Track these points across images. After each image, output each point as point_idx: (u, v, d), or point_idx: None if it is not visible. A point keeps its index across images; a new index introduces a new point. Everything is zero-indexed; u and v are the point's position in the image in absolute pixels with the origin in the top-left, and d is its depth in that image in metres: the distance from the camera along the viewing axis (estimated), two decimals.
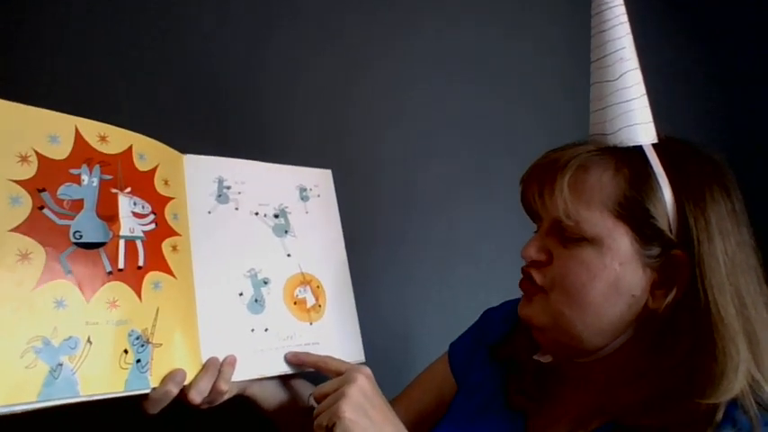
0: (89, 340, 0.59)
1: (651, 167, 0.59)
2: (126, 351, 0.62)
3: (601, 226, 0.59)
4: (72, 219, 0.61)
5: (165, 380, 0.64)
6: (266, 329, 0.75)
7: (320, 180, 0.89)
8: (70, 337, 0.58)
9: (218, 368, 0.68)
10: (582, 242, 0.60)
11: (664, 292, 0.58)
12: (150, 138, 0.72)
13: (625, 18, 0.64)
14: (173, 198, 0.72)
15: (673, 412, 0.55)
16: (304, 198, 0.86)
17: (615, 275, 0.58)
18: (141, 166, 0.69)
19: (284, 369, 0.75)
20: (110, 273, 0.62)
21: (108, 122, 0.68)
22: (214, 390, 0.67)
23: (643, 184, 0.59)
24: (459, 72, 1.20)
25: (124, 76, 0.98)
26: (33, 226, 0.58)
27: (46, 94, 0.87)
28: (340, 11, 1.12)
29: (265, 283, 0.78)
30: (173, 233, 0.70)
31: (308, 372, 0.78)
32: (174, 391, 0.63)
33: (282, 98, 1.07)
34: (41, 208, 0.59)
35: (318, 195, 0.88)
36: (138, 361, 0.62)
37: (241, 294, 0.75)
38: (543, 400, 0.68)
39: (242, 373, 0.71)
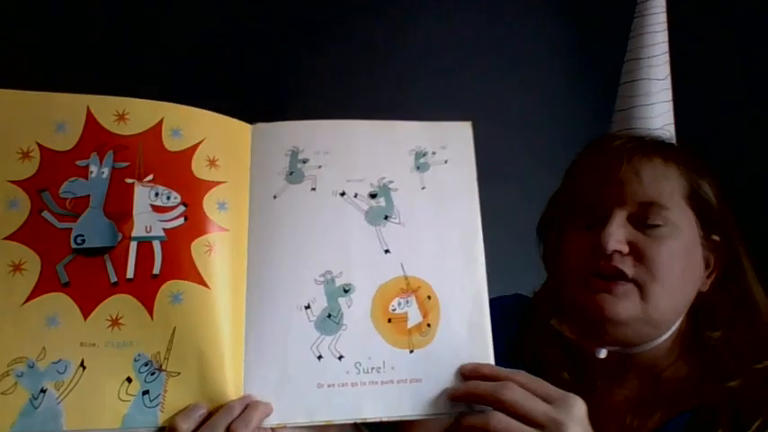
0: (82, 364, 0.51)
1: (697, 163, 0.66)
2: (129, 379, 0.51)
3: (679, 212, 0.63)
4: (75, 220, 0.53)
5: (175, 415, 0.51)
6: (341, 357, 0.54)
7: (452, 138, 0.60)
8: (59, 360, 0.50)
9: (239, 408, 0.51)
10: (662, 229, 0.61)
11: (707, 274, 0.65)
12: (197, 108, 0.57)
13: (666, 25, 0.70)
14: (220, 183, 0.56)
15: (738, 384, 0.58)
16: (421, 167, 0.59)
17: (692, 260, 0.63)
18: (173, 144, 0.55)
19: (365, 414, 0.54)
20: (114, 284, 0.52)
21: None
22: None
23: (699, 175, 0.64)
24: (459, 69, 1.21)
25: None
26: (30, 232, 0.52)
27: None
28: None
29: (346, 291, 0.56)
30: (212, 228, 0.55)
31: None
32: (185, 429, 0.50)
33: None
34: (41, 211, 0.52)
35: (446, 161, 0.60)
36: (146, 393, 0.51)
37: (308, 307, 0.55)
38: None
39: (299, 415, 0.53)
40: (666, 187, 0.62)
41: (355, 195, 0.58)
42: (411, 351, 0.55)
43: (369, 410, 0.53)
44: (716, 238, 0.64)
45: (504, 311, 0.70)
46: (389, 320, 0.56)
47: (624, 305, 0.60)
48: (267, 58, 1.15)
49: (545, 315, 0.68)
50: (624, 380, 0.65)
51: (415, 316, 0.56)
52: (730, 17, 1.16)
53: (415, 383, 0.54)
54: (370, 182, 0.59)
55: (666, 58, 0.69)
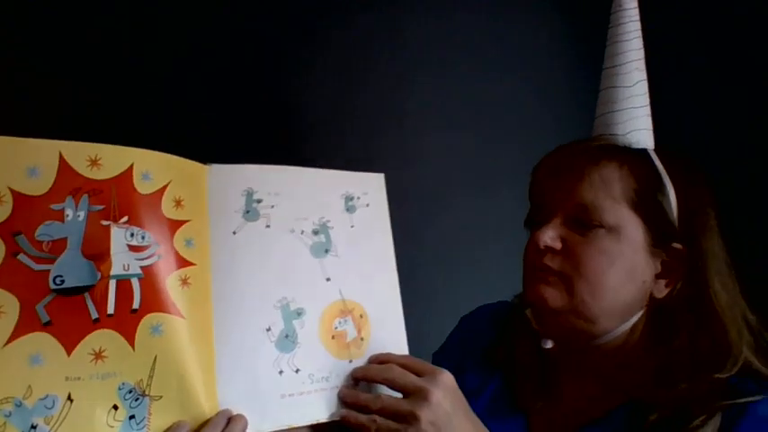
0: (69, 398, 0.54)
1: (658, 169, 0.66)
2: (116, 407, 0.56)
3: (618, 215, 0.64)
4: (52, 262, 0.55)
5: None
6: (297, 370, 0.64)
7: (370, 186, 0.74)
8: (46, 396, 0.53)
9: (224, 421, 0.59)
10: (598, 230, 0.64)
11: (665, 282, 0.66)
12: (161, 152, 0.62)
13: (640, 33, 0.71)
14: (186, 221, 0.62)
15: (688, 385, 0.60)
16: (350, 209, 0.71)
17: (630, 262, 0.64)
18: (144, 187, 0.60)
19: (318, 417, 0.65)
20: (96, 320, 0.56)
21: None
22: None
23: (655, 181, 0.65)
24: (459, 69, 1.22)
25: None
26: (6, 275, 0.53)
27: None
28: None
29: (299, 314, 0.66)
30: (184, 264, 0.61)
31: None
32: None
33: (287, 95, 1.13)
34: (16, 254, 0.54)
35: (367, 205, 0.73)
36: (132, 417, 0.56)
37: (269, 329, 0.64)
38: (545, 398, 0.72)
39: (267, 423, 0.62)
40: (605, 191, 0.64)
41: (302, 232, 0.68)
42: (350, 361, 0.68)
43: (322, 413, 0.65)
44: (677, 246, 0.65)
45: (489, 317, 0.84)
46: (333, 337, 0.68)
47: (552, 294, 0.66)
48: (267, 58, 1.12)
49: (522, 310, 0.73)
50: (583, 374, 0.69)
51: (352, 332, 0.69)
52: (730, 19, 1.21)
53: (355, 388, 0.67)
54: (313, 220, 0.69)
55: (636, 65, 0.70)
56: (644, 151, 0.68)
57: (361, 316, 0.69)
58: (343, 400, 0.65)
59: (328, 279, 0.68)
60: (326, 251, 0.69)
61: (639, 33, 0.71)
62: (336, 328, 0.68)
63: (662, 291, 0.66)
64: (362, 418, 0.61)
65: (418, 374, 0.62)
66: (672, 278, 0.66)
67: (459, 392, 0.62)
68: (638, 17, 0.71)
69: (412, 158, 1.21)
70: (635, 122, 0.69)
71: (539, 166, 0.72)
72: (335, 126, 1.13)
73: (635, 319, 0.67)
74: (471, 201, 1.21)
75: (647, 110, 0.71)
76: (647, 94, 0.71)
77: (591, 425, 0.67)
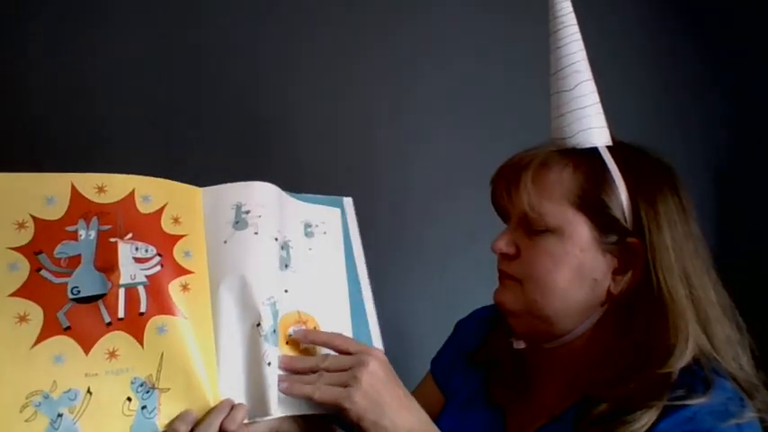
0: (89, 391, 0.62)
1: (606, 165, 0.67)
2: (129, 399, 0.64)
3: (561, 217, 0.66)
4: (69, 275, 0.64)
5: (171, 421, 0.65)
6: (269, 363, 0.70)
7: (327, 217, 0.82)
8: (69, 390, 0.62)
9: (228, 409, 0.67)
10: (545, 233, 0.67)
11: (623, 277, 0.66)
12: (159, 178, 0.71)
13: (579, 36, 0.73)
14: (184, 236, 0.71)
15: (634, 382, 0.61)
16: (308, 234, 0.80)
17: (577, 261, 0.66)
18: (145, 208, 0.69)
19: (309, 409, 0.70)
20: (109, 324, 0.64)
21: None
22: (222, 430, 0.66)
23: (599, 179, 0.66)
24: (456, 71, 1.29)
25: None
26: (31, 288, 0.62)
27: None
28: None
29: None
30: (183, 272, 0.70)
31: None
32: (183, 430, 0.64)
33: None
34: (39, 270, 0.63)
35: (325, 233, 0.81)
36: (144, 407, 0.64)
37: (258, 325, 0.72)
38: (521, 394, 0.75)
39: (262, 412, 0.69)
40: (542, 196, 0.66)
41: (277, 240, 0.76)
42: None
43: (311, 406, 0.70)
44: (632, 240, 0.65)
45: (481, 320, 0.88)
46: (287, 342, 0.72)
47: (508, 296, 0.70)
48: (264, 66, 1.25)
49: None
50: (553, 373, 0.72)
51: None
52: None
53: None
54: (284, 234, 0.77)
55: (576, 68, 0.71)
56: (594, 150, 0.69)
57: (314, 328, 0.76)
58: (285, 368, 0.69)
59: (286, 291, 0.75)
60: (287, 266, 0.77)
61: (577, 37, 0.73)
62: (291, 335, 0.73)
63: (617, 286, 0.66)
64: (306, 388, 0.66)
65: (354, 353, 0.67)
66: (629, 273, 0.66)
67: (390, 366, 0.66)
68: (574, 22, 0.73)
69: (410, 161, 1.26)
70: (581, 123, 0.70)
71: (494, 175, 0.74)
72: (331, 128, 1.22)
73: (597, 315, 0.68)
74: (469, 202, 1.26)
75: (596, 108, 0.72)
76: (595, 93, 0.72)
77: (549, 423, 0.69)
